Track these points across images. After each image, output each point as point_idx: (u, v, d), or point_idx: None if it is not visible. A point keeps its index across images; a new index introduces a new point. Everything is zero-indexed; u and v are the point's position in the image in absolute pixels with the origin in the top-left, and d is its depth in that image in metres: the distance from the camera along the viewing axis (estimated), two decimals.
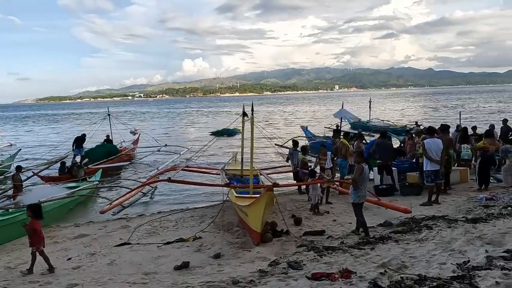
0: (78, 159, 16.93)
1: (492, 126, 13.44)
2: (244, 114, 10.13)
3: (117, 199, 9.80)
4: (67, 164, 15.35)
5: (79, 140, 17.89)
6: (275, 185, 8.57)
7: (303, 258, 5.61)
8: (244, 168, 12.14)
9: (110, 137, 20.56)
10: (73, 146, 18.22)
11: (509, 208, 7.46)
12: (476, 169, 9.97)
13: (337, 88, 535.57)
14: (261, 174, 10.74)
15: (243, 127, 10.71)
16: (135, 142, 23.19)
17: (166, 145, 22.18)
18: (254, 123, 8.90)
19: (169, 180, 8.79)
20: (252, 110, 8.46)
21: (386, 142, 10.97)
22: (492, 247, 5.49)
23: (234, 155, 15.58)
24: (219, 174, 11.79)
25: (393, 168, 11.10)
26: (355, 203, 6.91)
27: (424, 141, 9.04)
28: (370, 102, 30.97)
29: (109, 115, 20.50)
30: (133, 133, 22.01)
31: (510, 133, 14.46)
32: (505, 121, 14.97)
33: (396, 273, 4.66)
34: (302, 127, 25.80)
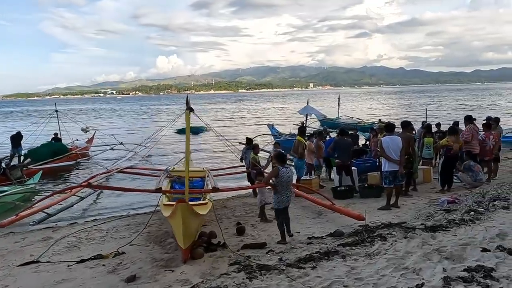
0: (17, 159, 15.39)
1: (456, 123, 12.86)
2: (190, 108, 9.10)
3: (31, 206, 8.49)
4: (2, 165, 13.84)
5: (15, 139, 16.30)
6: (215, 189, 7.54)
7: (229, 283, 4.59)
8: (193, 169, 11.05)
9: (59, 135, 18.99)
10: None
11: (471, 212, 6.72)
12: (438, 168, 9.25)
13: (312, 86, 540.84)
14: (208, 176, 9.66)
15: (187, 122, 9.62)
16: (89, 140, 21.66)
17: (122, 143, 20.75)
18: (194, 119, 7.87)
19: (89, 185, 7.56)
20: (188, 103, 7.40)
21: (345, 140, 10.13)
22: (451, 264, 4.66)
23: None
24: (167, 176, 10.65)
25: (353, 168, 10.30)
26: (275, 209, 6.45)
27: (382, 138, 8.23)
28: (339, 99, 30.48)
29: (56, 111, 18.90)
30: (84, 130, 20.46)
31: None
32: (469, 117, 14.47)
33: None
34: (268, 124, 24.94)
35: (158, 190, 7.25)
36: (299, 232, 6.89)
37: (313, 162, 11.33)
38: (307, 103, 19.54)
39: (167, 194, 7.44)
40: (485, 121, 11.25)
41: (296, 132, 15.61)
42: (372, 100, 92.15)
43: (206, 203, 6.59)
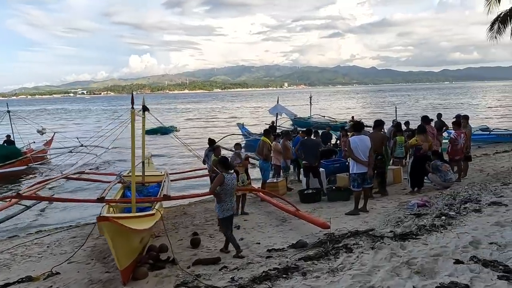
0: None
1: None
2: (144, 108, 8.35)
3: None
4: None
5: None
6: (166, 197, 6.80)
7: None
8: (151, 173, 10.26)
9: (12, 138, 17.65)
10: None
11: (443, 217, 6.29)
12: (408, 168, 8.84)
13: (287, 86, 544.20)
14: (165, 181, 8.88)
15: (143, 124, 8.84)
16: (48, 143, 20.32)
17: (82, 145, 19.55)
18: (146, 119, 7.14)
19: (19, 196, 6.65)
20: (132, 103, 6.64)
21: (312, 141, 9.59)
22: (422, 279, 4.15)
23: (148, 156, 13.57)
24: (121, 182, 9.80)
25: (321, 169, 9.78)
26: (220, 218, 5.98)
27: (350, 138, 7.72)
28: (310, 97, 30.13)
29: (8, 112, 17.54)
30: (41, 132, 19.13)
31: (444, 128, 13.82)
32: (439, 115, 14.29)
33: None
34: (238, 124, 24.30)
35: (101, 199, 6.44)
36: (259, 243, 6.26)
37: (280, 164, 10.78)
38: (277, 102, 18.98)
39: (111, 204, 6.64)
40: (454, 119, 10.99)
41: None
42: (346, 99, 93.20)
43: (153, 214, 5.85)
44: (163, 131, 30.11)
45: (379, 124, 9.04)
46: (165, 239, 6.48)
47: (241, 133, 22.20)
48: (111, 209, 6.56)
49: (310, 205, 8.74)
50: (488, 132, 19.92)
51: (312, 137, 10.09)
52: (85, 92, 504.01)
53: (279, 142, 10.37)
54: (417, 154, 8.63)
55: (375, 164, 8.24)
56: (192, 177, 10.46)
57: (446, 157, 9.83)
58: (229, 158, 7.46)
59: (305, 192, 9.15)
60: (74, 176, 10.06)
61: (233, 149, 8.29)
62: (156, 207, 6.49)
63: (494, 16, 22.73)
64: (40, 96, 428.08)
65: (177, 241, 6.76)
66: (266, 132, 9.82)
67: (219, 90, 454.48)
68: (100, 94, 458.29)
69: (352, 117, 24.49)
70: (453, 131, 9.68)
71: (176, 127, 32.84)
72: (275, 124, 18.40)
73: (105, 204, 6.49)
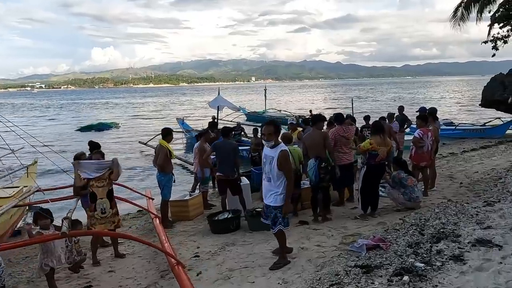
0: None
1: (383, 118, 10.15)
2: None
3: None
4: None
5: None
6: None
7: None
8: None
9: None
10: None
11: (405, 277, 3.78)
12: (359, 182, 6.33)
13: (254, 80, 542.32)
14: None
15: None
16: None
17: (13, 150, 15.95)
18: None
19: None
20: None
21: (227, 144, 6.88)
22: None
23: (33, 163, 10.44)
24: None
25: (243, 183, 7.15)
26: None
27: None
28: (265, 90, 27.62)
29: None
30: None
31: (406, 124, 11.58)
32: (401, 108, 12.01)
33: None
34: (177, 119, 21.40)
35: None
36: None
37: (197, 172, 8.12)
38: (218, 94, 16.23)
39: None
40: (418, 113, 8.68)
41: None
42: (310, 93, 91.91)
43: None
44: (100, 127, 26.77)
45: (318, 119, 6.50)
46: None
47: (181, 129, 19.30)
48: None
49: (222, 237, 6.07)
50: (453, 127, 18.13)
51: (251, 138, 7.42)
52: (43, 86, 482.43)
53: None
54: (371, 162, 6.12)
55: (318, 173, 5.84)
56: (59, 199, 7.42)
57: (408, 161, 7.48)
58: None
59: (217, 218, 6.45)
60: None
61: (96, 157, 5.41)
62: None
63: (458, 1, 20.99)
64: None
65: None
66: (166, 134, 6.92)
67: (186, 84, 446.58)
68: (60, 88, 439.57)
69: (310, 111, 22.13)
70: (417, 130, 7.24)
71: (118, 124, 29.49)
72: (216, 120, 15.73)
73: None
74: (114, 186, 8.34)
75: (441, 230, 4.97)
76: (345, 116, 7.78)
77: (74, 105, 69.60)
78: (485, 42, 23.89)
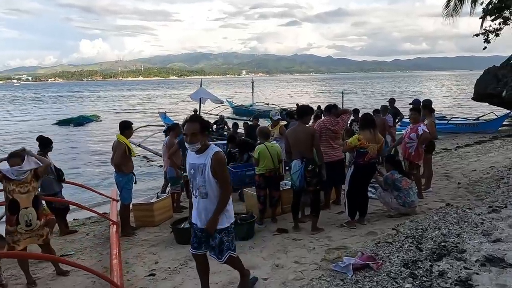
0: None
1: (377, 111, 9.32)
2: None
3: None
4: None
5: None
6: None
7: None
8: None
9: None
10: None
11: None
12: (346, 185, 5.50)
13: (245, 73, 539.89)
14: None
15: None
16: None
17: None
18: None
19: None
20: None
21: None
22: None
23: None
24: None
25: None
26: None
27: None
28: (252, 83, 26.71)
29: None
30: None
31: (398, 117, 10.80)
32: (392, 101, 11.22)
33: None
34: (160, 112, 20.40)
35: None
36: None
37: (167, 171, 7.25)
38: (200, 86, 15.26)
39: None
40: (411, 105, 7.87)
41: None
42: (300, 87, 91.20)
43: None
44: (80, 120, 25.61)
45: (304, 112, 5.59)
46: None
47: (162, 123, 18.32)
48: None
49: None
50: (446, 121, 17.46)
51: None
52: (30, 78, 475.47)
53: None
54: (360, 162, 5.29)
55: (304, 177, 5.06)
56: None
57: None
58: None
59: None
60: None
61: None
62: None
63: None
64: None
65: None
66: (124, 128, 5.99)
67: (176, 78, 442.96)
68: (47, 80, 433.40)
69: (297, 104, 21.28)
70: (422, 125, 6.36)
71: (99, 116, 28.34)
72: (198, 113, 14.82)
73: None
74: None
75: (442, 243, 4.17)
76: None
77: (57, 99, 67.74)
78: (477, 35, 23.34)
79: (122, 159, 5.76)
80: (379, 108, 9.59)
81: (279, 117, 8.27)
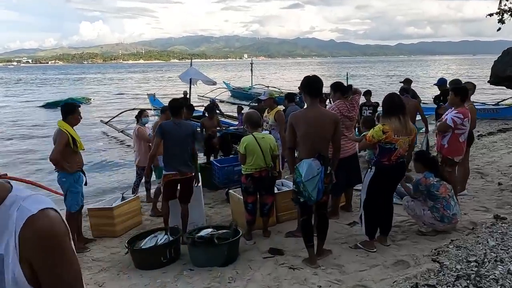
0: None
1: (404, 90, 7.52)
2: None
3: None
4: None
5: None
6: None
7: None
8: None
9: None
10: None
11: None
12: (362, 195, 4.03)
13: (246, 57, 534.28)
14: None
15: None
16: None
17: None
18: None
19: None
20: None
21: (180, 126, 4.50)
22: None
23: None
24: None
25: (197, 184, 4.84)
26: None
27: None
28: (251, 64, 25.07)
29: None
30: None
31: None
32: (407, 81, 9.36)
33: None
34: (148, 95, 18.88)
35: None
36: None
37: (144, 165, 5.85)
38: (191, 65, 13.70)
39: None
40: (448, 87, 6.40)
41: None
42: (302, 71, 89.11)
43: None
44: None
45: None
46: None
47: (151, 107, 16.81)
48: None
49: (146, 276, 3.81)
50: None
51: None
52: (30, 60, 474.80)
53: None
54: (384, 162, 3.81)
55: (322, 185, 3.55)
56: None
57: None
58: None
59: (143, 245, 4.15)
60: None
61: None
62: None
63: None
64: None
65: None
66: (66, 112, 4.53)
67: (177, 61, 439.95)
68: (47, 63, 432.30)
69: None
70: (452, 111, 4.84)
71: (89, 99, 26.82)
72: (188, 95, 13.37)
73: None
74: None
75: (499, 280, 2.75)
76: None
77: (54, 80, 66.04)
78: (490, 14, 21.62)
79: (64, 154, 4.32)
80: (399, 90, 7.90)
81: (266, 97, 6.62)
